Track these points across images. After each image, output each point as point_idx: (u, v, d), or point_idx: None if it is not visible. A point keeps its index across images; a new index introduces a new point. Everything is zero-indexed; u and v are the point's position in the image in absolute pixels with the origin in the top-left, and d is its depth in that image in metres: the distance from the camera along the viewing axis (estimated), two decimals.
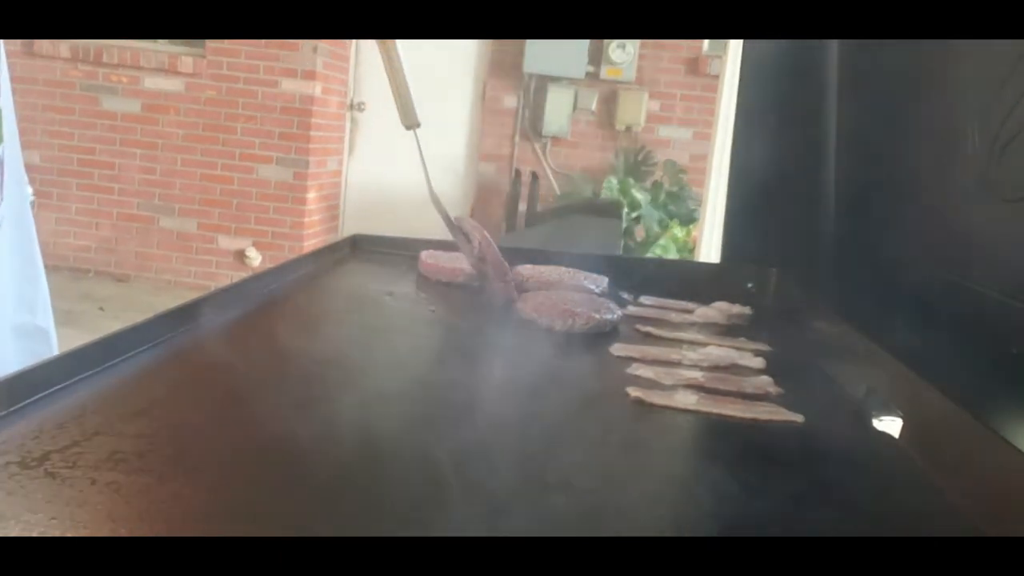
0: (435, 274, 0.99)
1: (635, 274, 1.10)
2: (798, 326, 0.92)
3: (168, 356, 0.65)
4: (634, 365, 0.74)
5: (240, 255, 4.45)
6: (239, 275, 1.23)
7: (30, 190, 0.93)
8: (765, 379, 0.74)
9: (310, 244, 4.47)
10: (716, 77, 3.26)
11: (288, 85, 4.30)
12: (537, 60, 4.49)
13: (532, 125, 4.73)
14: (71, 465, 0.44)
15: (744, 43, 1.29)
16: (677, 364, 0.77)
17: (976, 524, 0.49)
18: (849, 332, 0.79)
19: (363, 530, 0.41)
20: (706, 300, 1.01)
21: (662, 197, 4.34)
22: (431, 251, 1.08)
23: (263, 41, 4.17)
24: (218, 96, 4.34)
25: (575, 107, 4.66)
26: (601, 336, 0.84)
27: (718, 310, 0.98)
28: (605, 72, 4.55)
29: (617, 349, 0.80)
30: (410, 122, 0.95)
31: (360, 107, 4.87)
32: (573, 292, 0.95)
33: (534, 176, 4.59)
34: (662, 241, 4.10)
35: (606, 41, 4.49)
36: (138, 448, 0.47)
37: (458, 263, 1.03)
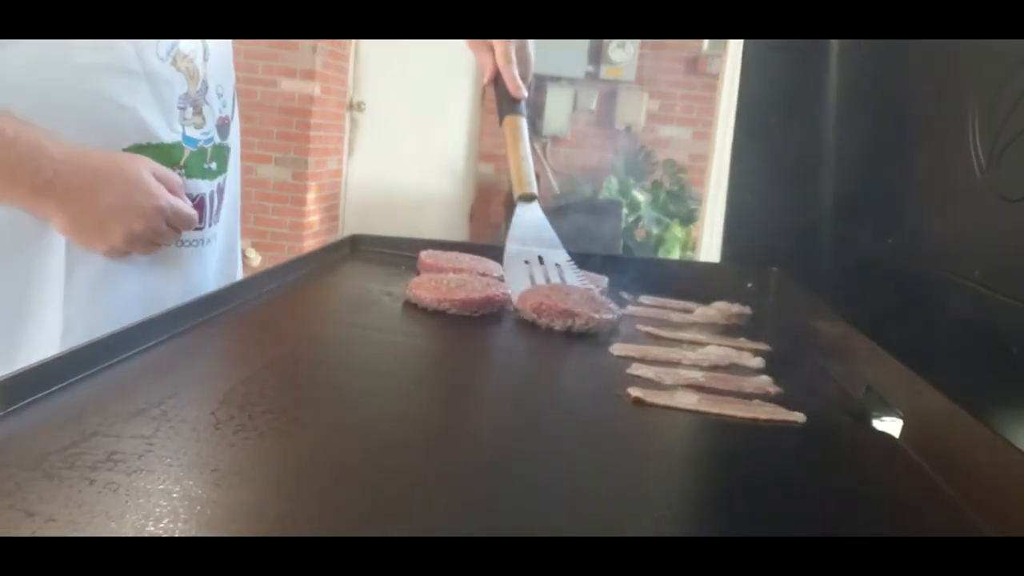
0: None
1: (635, 274, 1.10)
2: (798, 326, 0.92)
3: (167, 356, 0.65)
4: (634, 365, 0.74)
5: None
6: None
7: None
8: (765, 379, 0.74)
9: (310, 244, 4.47)
10: (716, 77, 3.26)
11: (287, 85, 4.30)
12: (537, 60, 4.48)
13: (532, 125, 4.73)
14: (69, 466, 0.44)
15: (744, 43, 1.29)
16: (677, 364, 0.77)
17: (976, 524, 0.49)
18: (849, 332, 0.79)
19: (362, 529, 0.41)
20: (706, 300, 1.01)
21: (662, 197, 4.35)
22: (431, 251, 1.08)
23: (262, 41, 4.17)
24: None
25: (575, 107, 4.66)
26: (601, 336, 0.84)
27: (718, 310, 0.98)
28: (605, 72, 4.55)
29: (617, 349, 0.80)
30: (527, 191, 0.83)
31: (360, 107, 4.87)
32: (573, 292, 0.95)
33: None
34: (666, 243, 4.10)
35: (606, 41, 4.49)
36: (137, 448, 0.47)
37: (457, 263, 1.02)
